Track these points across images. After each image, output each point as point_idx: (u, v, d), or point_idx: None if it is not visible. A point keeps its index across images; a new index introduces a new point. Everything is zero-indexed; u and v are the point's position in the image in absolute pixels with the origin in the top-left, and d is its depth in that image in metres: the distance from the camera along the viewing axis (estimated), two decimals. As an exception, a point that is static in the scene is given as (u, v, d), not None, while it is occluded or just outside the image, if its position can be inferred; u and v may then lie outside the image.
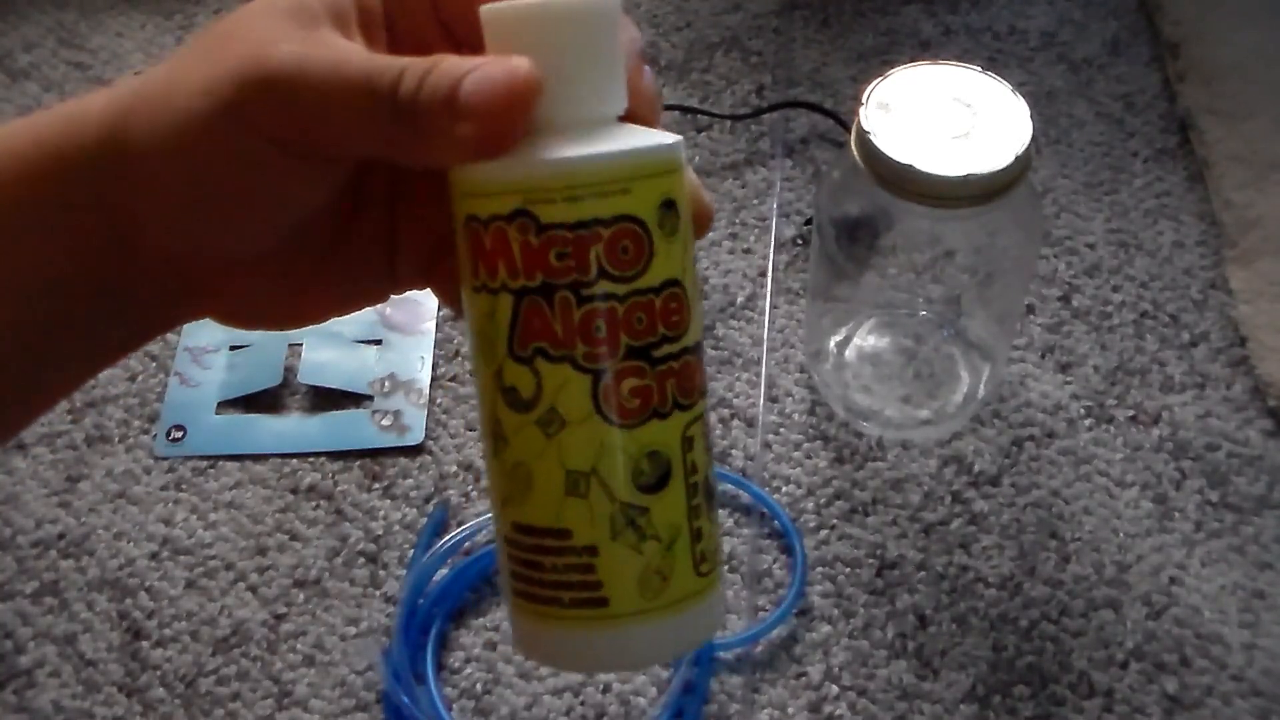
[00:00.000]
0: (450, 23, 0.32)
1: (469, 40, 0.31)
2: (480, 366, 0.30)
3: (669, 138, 0.30)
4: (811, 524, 0.61)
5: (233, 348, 0.69)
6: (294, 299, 0.34)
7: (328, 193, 0.32)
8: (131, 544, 0.61)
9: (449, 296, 0.34)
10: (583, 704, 0.55)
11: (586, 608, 0.30)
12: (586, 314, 0.28)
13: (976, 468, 0.62)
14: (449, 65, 0.28)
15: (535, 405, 0.29)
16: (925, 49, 0.82)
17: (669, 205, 0.29)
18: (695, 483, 0.30)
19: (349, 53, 0.29)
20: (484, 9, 0.29)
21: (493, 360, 0.30)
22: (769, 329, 0.68)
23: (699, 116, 0.79)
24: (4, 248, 0.31)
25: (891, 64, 0.56)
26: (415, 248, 0.34)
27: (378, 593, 0.59)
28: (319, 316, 0.35)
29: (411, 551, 0.60)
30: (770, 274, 0.70)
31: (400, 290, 0.36)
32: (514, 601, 0.31)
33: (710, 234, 0.73)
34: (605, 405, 0.29)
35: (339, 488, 0.63)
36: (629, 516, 0.29)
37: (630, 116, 0.31)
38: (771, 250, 0.72)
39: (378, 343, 0.69)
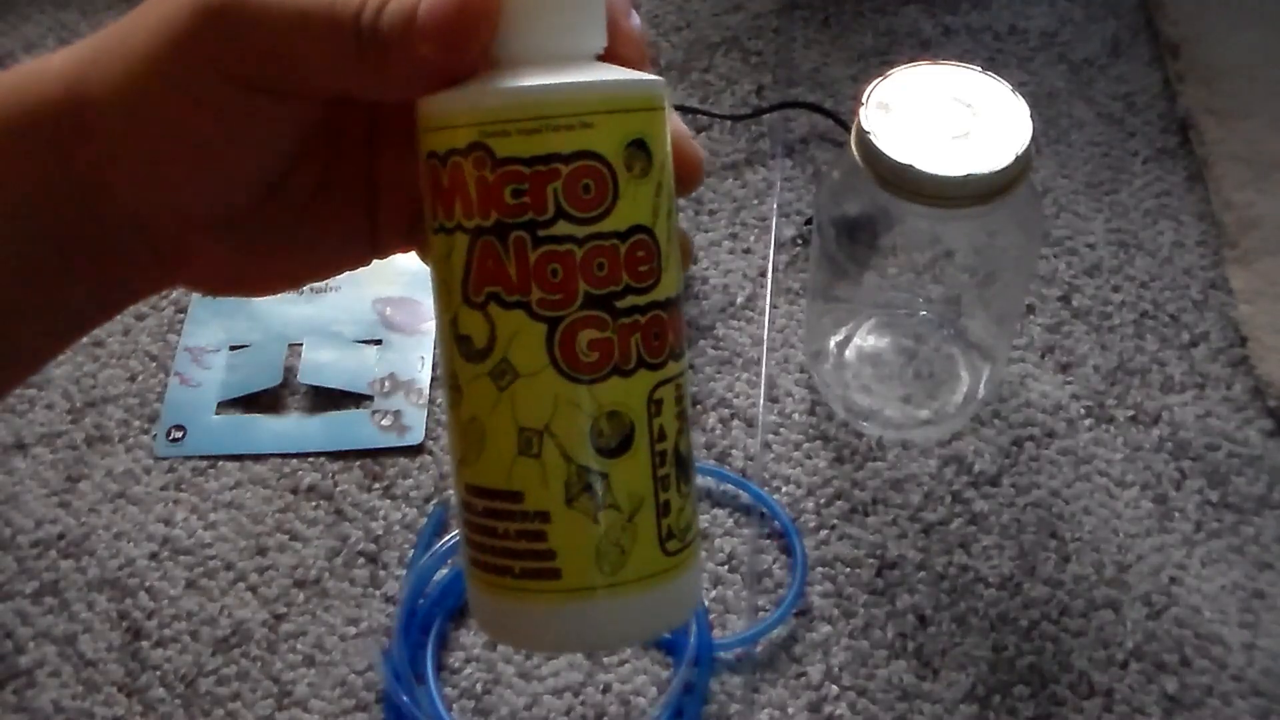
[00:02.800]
0: None
1: None
2: (439, 314, 0.29)
3: (645, 76, 0.28)
4: (811, 524, 0.61)
5: (233, 348, 0.69)
6: (268, 264, 0.33)
7: (292, 137, 0.30)
8: (131, 544, 0.61)
9: None
10: (583, 704, 0.55)
11: (538, 579, 0.27)
12: (542, 256, 0.26)
13: (976, 468, 0.62)
14: None
15: (488, 355, 0.27)
16: (925, 49, 0.82)
17: (639, 145, 0.27)
18: (663, 451, 0.28)
19: None
20: None
21: (449, 306, 0.28)
22: (769, 329, 0.68)
23: (699, 116, 0.79)
24: None
25: (891, 64, 0.56)
26: (398, 207, 0.33)
27: (378, 593, 0.59)
28: (295, 282, 0.34)
29: (411, 551, 0.60)
30: (770, 274, 0.70)
31: (382, 254, 0.34)
32: (469, 570, 0.29)
33: (710, 234, 0.73)
34: (561, 357, 0.27)
35: (339, 488, 0.63)
36: (585, 481, 0.27)
37: (611, 58, 0.29)
38: (771, 250, 0.72)
39: (378, 343, 0.69)
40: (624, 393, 0.27)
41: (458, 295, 0.27)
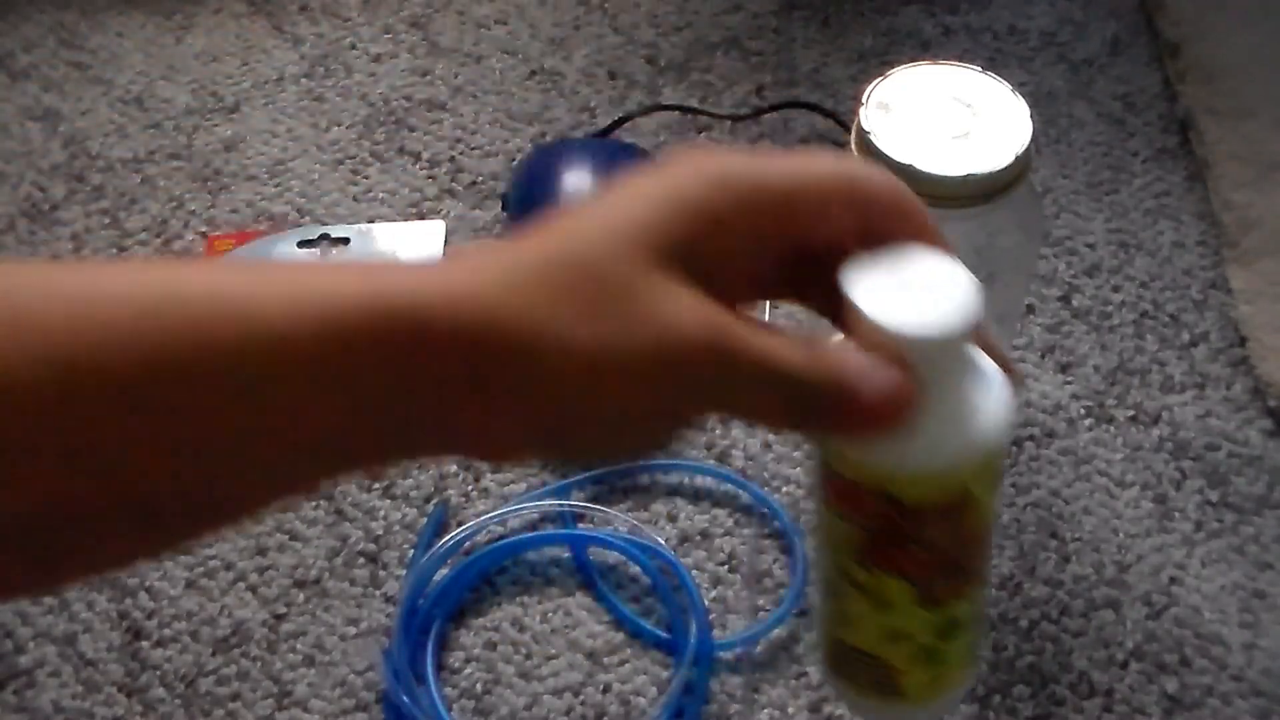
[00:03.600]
0: (799, 279, 0.33)
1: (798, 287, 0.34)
2: (825, 542, 0.38)
3: (1007, 419, 0.34)
4: (812, 524, 0.61)
5: (233, 348, 0.69)
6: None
7: None
8: (131, 544, 0.61)
9: None
10: (583, 704, 0.55)
11: (888, 695, 0.39)
12: (917, 553, 0.35)
13: (976, 468, 0.62)
14: (857, 364, 0.31)
15: (869, 591, 0.36)
16: (925, 49, 0.82)
17: (994, 473, 0.35)
18: (973, 624, 0.39)
19: (761, 337, 0.30)
20: (877, 322, 0.31)
21: (838, 555, 0.37)
22: (769, 329, 0.68)
23: (699, 116, 0.79)
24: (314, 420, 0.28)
25: (891, 64, 0.56)
26: None
27: (378, 593, 0.59)
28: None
29: (411, 551, 0.60)
30: (770, 274, 0.70)
31: None
32: (833, 669, 0.41)
33: (710, 234, 0.73)
34: (923, 601, 0.36)
35: (339, 488, 0.63)
36: (929, 654, 0.38)
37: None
38: (771, 250, 0.71)
39: (378, 343, 0.69)
40: (959, 607, 0.37)
41: (846, 554, 0.36)
